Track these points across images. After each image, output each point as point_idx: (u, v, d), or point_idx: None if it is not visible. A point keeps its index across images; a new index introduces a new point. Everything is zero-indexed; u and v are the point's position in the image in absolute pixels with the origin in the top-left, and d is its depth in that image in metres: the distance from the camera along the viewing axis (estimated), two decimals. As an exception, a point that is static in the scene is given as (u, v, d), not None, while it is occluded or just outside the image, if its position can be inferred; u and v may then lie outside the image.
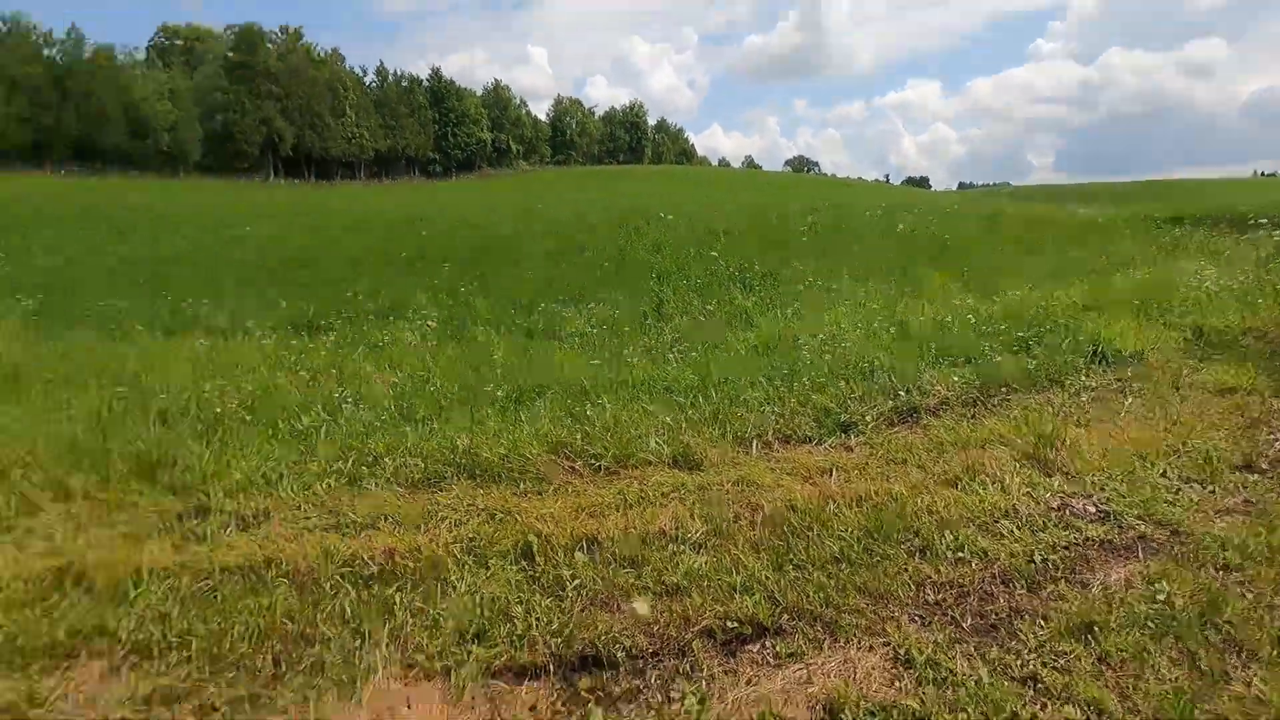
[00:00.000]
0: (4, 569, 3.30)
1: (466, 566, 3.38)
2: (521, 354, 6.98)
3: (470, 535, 3.65)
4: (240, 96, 74.80)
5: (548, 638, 2.88)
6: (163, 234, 19.22)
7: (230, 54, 77.28)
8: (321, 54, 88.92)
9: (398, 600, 3.11)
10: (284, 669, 2.73)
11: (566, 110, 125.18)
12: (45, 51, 71.16)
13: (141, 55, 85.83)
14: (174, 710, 2.55)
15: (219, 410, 5.17)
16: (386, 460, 4.55)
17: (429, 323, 8.31)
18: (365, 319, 8.94)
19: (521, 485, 4.29)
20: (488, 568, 3.38)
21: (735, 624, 2.92)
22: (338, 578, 3.30)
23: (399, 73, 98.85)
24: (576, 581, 3.21)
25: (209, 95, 74.88)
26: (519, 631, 2.91)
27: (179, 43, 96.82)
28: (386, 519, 3.88)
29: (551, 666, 2.76)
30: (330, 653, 2.80)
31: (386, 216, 21.93)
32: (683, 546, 3.48)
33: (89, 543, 3.62)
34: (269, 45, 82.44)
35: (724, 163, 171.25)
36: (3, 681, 2.69)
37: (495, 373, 6.33)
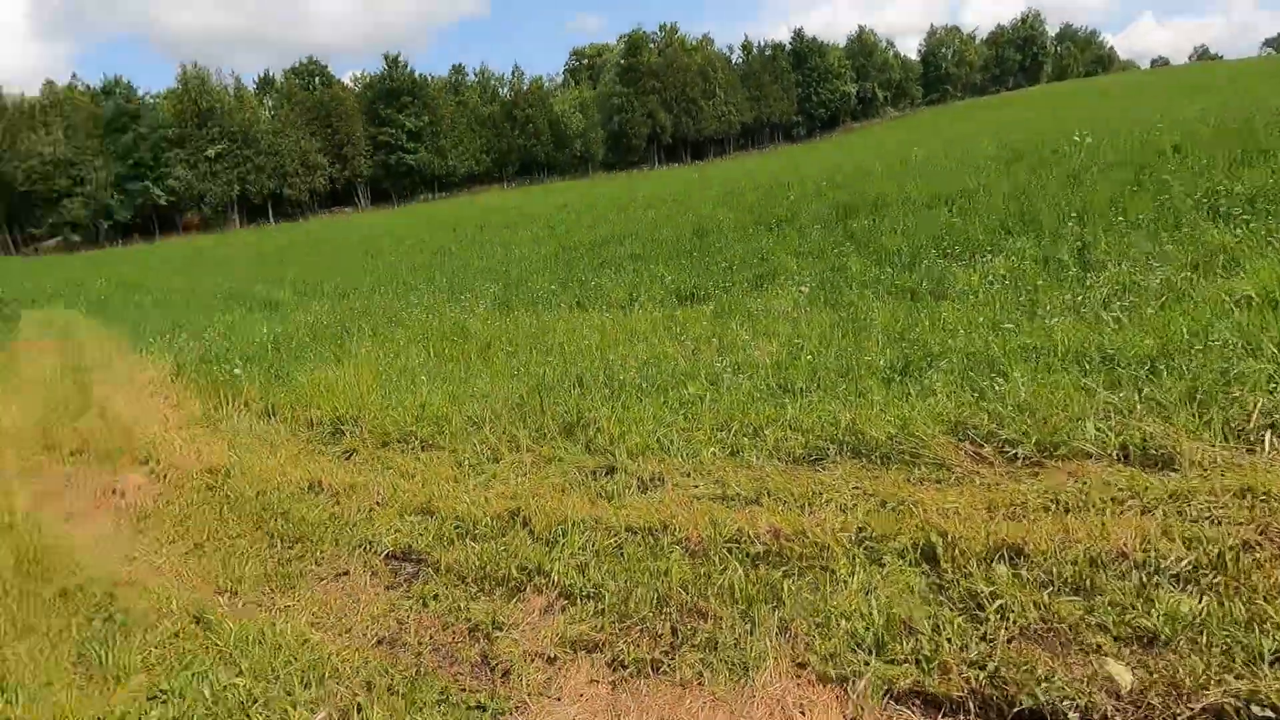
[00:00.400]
0: (478, 508, 4.11)
1: (858, 560, 3.04)
2: (905, 317, 6.27)
3: (859, 524, 3.29)
4: (630, 97, 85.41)
5: (964, 667, 2.38)
6: (574, 227, 23.01)
7: (621, 61, 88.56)
8: (693, 42, 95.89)
9: (785, 587, 2.94)
10: (679, 639, 2.79)
11: (941, 41, 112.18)
12: (500, 91, 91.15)
13: (560, 79, 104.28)
14: (592, 658, 2.80)
15: (621, 378, 5.74)
16: (767, 433, 4.46)
17: (800, 288, 8.10)
18: (740, 287, 9.16)
19: (915, 470, 3.75)
20: (882, 565, 2.99)
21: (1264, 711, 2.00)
22: (725, 552, 3.29)
23: (762, 43, 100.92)
24: (999, 602, 2.61)
25: (607, 101, 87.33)
26: (926, 651, 2.47)
27: (584, 62, 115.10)
28: (769, 495, 3.77)
29: (971, 705, 2.27)
30: (721, 631, 2.77)
31: (754, 184, 22.53)
32: (1158, 579, 2.56)
33: (531, 490, 4.30)
34: (650, 45, 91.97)
35: (1161, 62, 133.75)
36: (479, 602, 3.31)
37: (876, 339, 5.80)
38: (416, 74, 76.00)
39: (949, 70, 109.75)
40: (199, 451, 6.60)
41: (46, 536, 4.96)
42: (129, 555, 4.49)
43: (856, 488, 3.68)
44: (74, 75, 75.15)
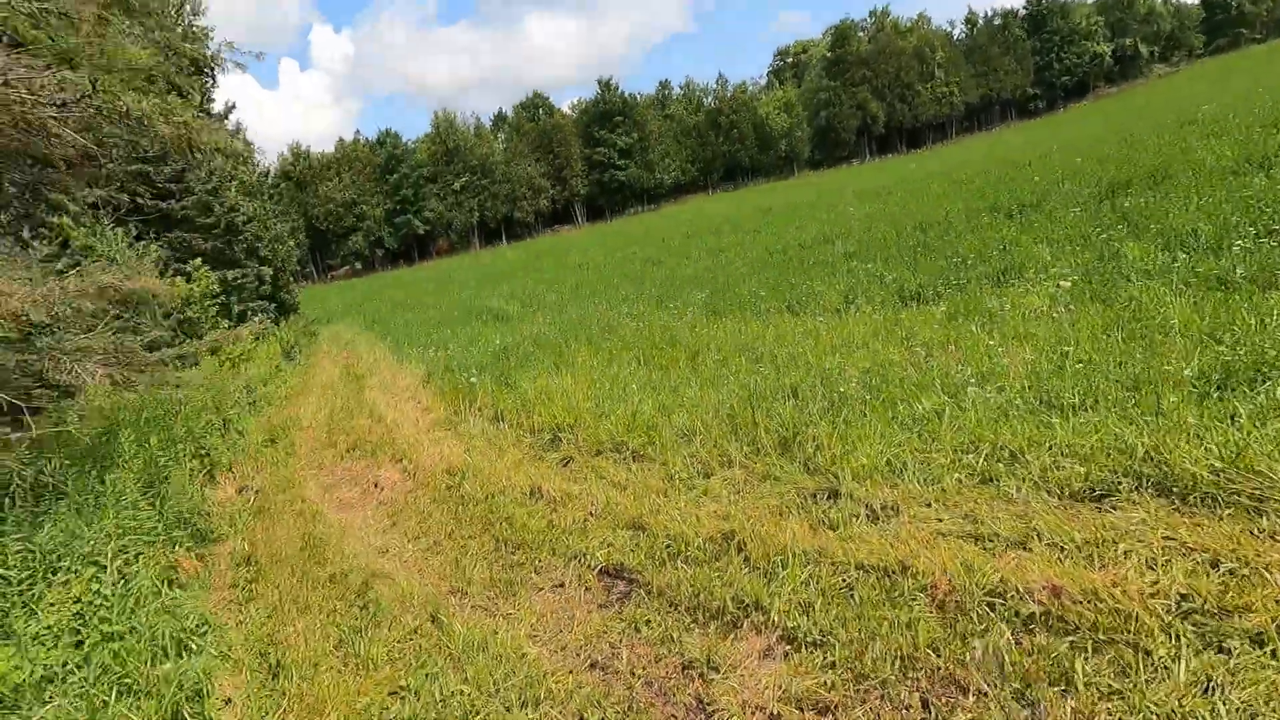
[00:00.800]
0: (689, 528, 3.91)
1: (1184, 640, 2.29)
2: (1215, 314, 4.93)
3: (1180, 589, 2.51)
4: (836, 90, 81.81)
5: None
6: (781, 229, 22.34)
7: (826, 54, 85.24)
8: (907, 23, 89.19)
9: (1077, 667, 2.30)
10: (934, 716, 2.29)
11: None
12: (705, 101, 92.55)
13: (764, 81, 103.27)
14: (822, 722, 2.41)
15: (841, 389, 5.23)
16: (1028, 458, 3.70)
17: (1060, 282, 6.83)
18: (976, 284, 8.04)
19: (1261, 520, 2.81)
20: (1225, 652, 2.21)
21: None
22: (985, 608, 2.70)
23: (989, 13, 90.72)
24: None
25: (813, 97, 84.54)
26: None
27: (788, 60, 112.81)
28: (1039, 537, 3.07)
29: None
30: (990, 715, 2.22)
31: (984, 168, 20.10)
32: None
33: (745, 511, 4.00)
34: (859, 34, 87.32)
35: None
36: (692, 635, 3.08)
37: (1175, 343, 4.61)
38: (626, 94, 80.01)
39: (1242, 8, 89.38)
40: (441, 453, 7.29)
41: (325, 525, 5.72)
42: (382, 548, 4.99)
43: (1169, 537, 2.84)
44: (357, 132, 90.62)
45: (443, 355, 12.93)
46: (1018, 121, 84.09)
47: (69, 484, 4.29)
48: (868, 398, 5.09)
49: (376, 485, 6.64)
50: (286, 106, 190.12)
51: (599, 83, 79.60)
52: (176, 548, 4.81)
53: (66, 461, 4.41)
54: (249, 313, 17.65)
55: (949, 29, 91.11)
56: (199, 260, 12.88)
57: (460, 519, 5.18)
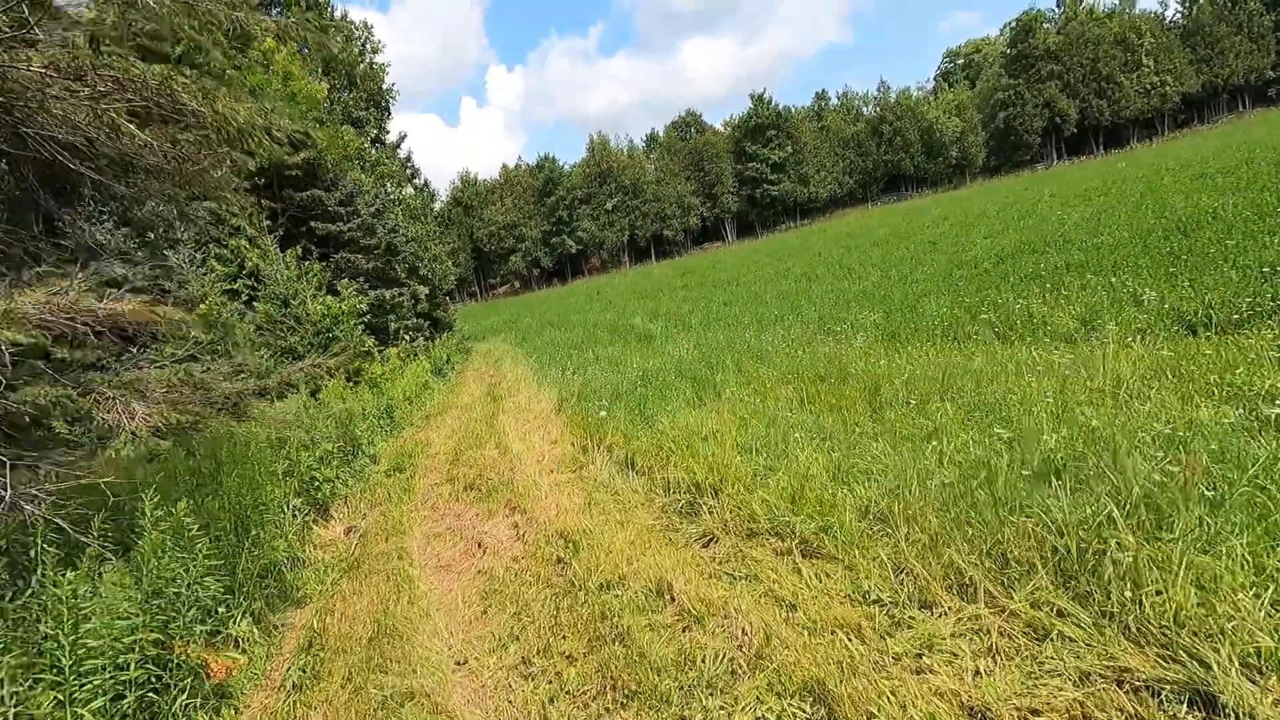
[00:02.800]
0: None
1: None
2: None
3: None
4: (1019, 90, 73.79)
5: None
6: (964, 240, 19.41)
7: (1006, 50, 77.34)
8: (1106, 8, 78.75)
9: None
10: None
11: None
12: (864, 110, 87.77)
13: (930, 85, 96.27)
14: None
15: (1144, 474, 3.26)
16: None
17: None
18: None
19: None
20: None
21: None
22: None
23: (1215, -14, 77.58)
24: None
25: (990, 98, 76.99)
26: None
27: (959, 62, 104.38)
28: None
29: None
30: None
31: (1240, 159, 16.00)
32: None
33: (1015, 711, 2.27)
34: (1044, 26, 78.46)
35: None
36: None
37: None
38: (779, 106, 77.59)
39: None
40: (559, 504, 6.09)
41: (410, 599, 4.67)
42: (461, 656, 3.78)
43: None
44: (519, 158, 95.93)
45: (579, 379, 11.98)
46: (1256, 110, 70.95)
47: (92, 537, 3.47)
48: (1199, 491, 3.10)
49: (480, 545, 5.54)
50: (467, 140, 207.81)
51: (751, 96, 77.97)
52: (222, 630, 3.91)
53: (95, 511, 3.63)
54: (403, 330, 18.01)
55: (1161, 9, 79.29)
56: (347, 280, 12.98)
57: (563, 622, 3.85)
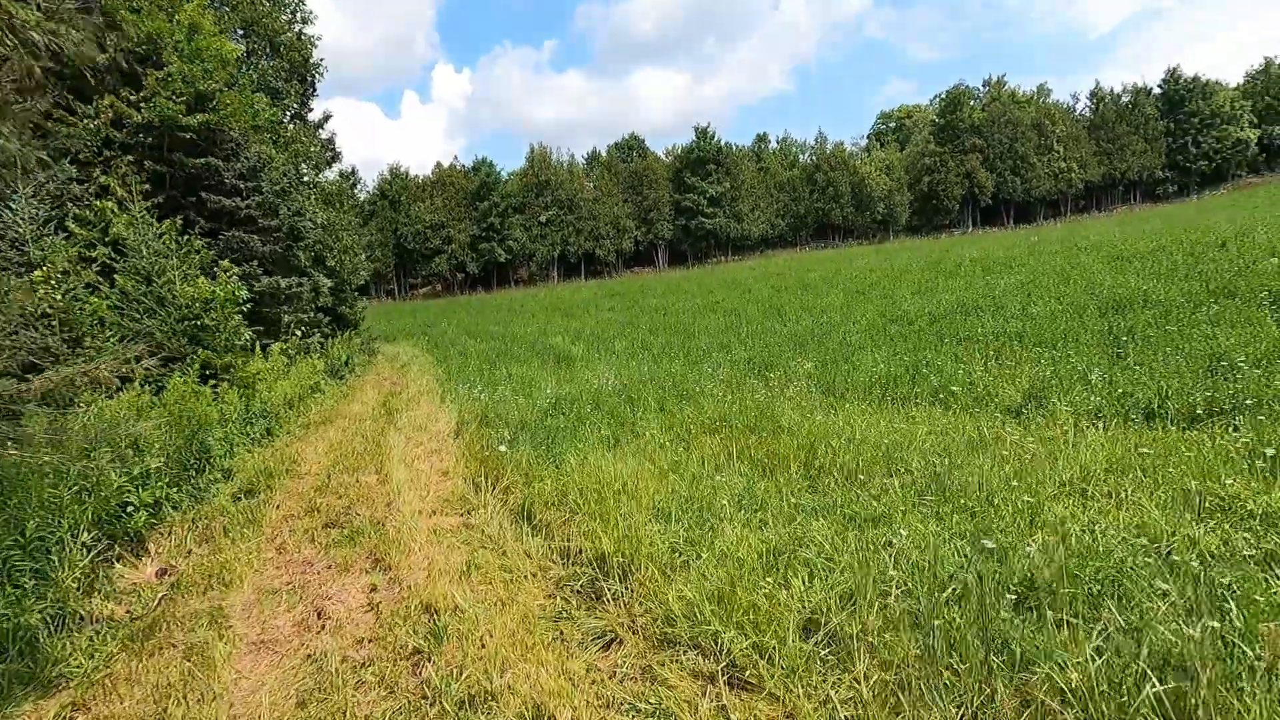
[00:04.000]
0: None
1: None
2: None
3: None
4: (944, 157, 78.20)
5: None
6: (895, 293, 19.57)
7: (935, 119, 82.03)
8: (1025, 94, 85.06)
9: None
10: None
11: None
12: (801, 157, 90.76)
13: (863, 144, 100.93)
14: None
15: (1190, 635, 2.55)
16: None
17: None
18: None
19: None
20: None
21: None
22: None
23: (1117, 90, 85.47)
24: None
25: (917, 162, 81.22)
26: None
27: (891, 125, 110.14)
28: None
29: None
30: None
31: (1153, 245, 16.79)
32: None
33: None
34: (971, 102, 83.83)
35: None
36: None
37: None
38: (721, 142, 78.99)
39: None
40: (433, 562, 4.98)
41: (202, 703, 3.45)
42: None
43: None
44: (455, 158, 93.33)
45: (485, 399, 10.83)
46: (1144, 205, 77.99)
47: None
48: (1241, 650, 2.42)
49: (320, 615, 4.35)
50: (404, 136, 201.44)
51: (695, 129, 79.10)
52: None
53: None
54: (294, 325, 16.21)
55: (1071, 103, 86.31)
56: (228, 262, 11.33)
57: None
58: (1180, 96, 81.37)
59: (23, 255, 9.23)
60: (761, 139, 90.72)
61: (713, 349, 13.30)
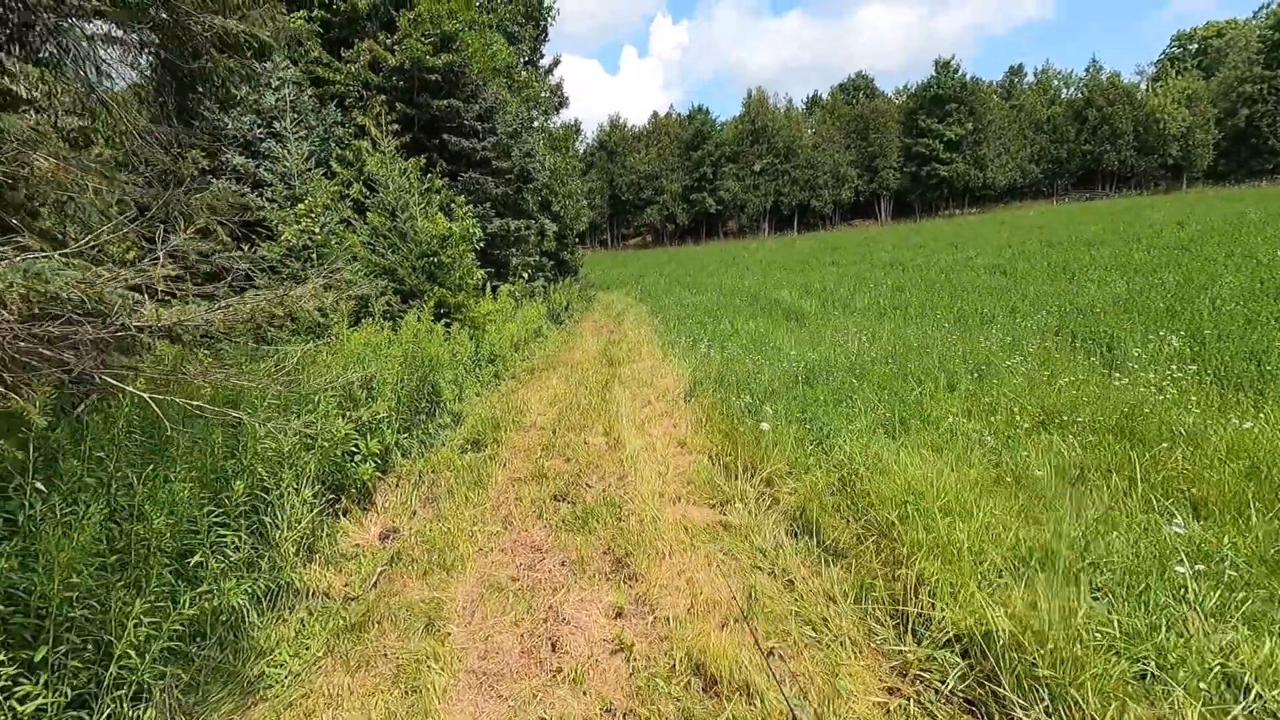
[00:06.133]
0: None
1: None
2: None
3: None
4: (1274, 83, 61.04)
5: None
6: (1233, 248, 14.77)
7: (1268, 33, 64.03)
8: None
9: None
10: None
11: None
12: (1064, 92, 76.95)
13: (1152, 70, 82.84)
14: None
15: None
16: None
17: None
18: None
19: None
20: None
21: None
22: None
23: None
24: None
25: (1233, 90, 64.45)
26: None
27: (1192, 48, 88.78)
28: None
29: None
30: None
31: None
32: None
33: None
34: (1326, 7, 64.01)
35: None
36: None
37: None
38: (967, 77, 69.03)
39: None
40: (694, 584, 3.69)
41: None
42: None
43: None
44: (671, 107, 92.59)
45: (716, 359, 9.50)
46: None
47: None
48: None
49: (555, 647, 3.24)
50: (623, 91, 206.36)
51: (936, 63, 69.87)
52: None
53: None
54: (522, 268, 16.18)
55: None
56: (463, 198, 11.05)
57: None
58: None
59: (290, 190, 9.46)
60: (1015, 72, 78.08)
61: (994, 313, 10.64)
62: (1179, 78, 71.76)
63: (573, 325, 17.54)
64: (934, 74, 69.71)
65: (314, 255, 8.68)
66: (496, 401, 8.68)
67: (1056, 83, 79.73)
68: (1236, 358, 6.20)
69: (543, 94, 25.01)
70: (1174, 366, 6.19)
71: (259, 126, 10.19)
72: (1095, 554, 3.24)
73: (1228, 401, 5.45)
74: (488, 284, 12.05)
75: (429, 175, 11.92)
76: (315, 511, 4.20)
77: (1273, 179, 59.89)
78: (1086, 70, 75.61)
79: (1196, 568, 2.95)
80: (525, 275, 15.80)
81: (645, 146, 73.87)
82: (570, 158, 25.86)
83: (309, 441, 4.24)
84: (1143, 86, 73.89)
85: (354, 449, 5.09)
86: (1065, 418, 5.46)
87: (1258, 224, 18.28)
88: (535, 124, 21.79)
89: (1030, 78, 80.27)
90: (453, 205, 10.90)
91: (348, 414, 5.26)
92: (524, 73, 23.91)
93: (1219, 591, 2.82)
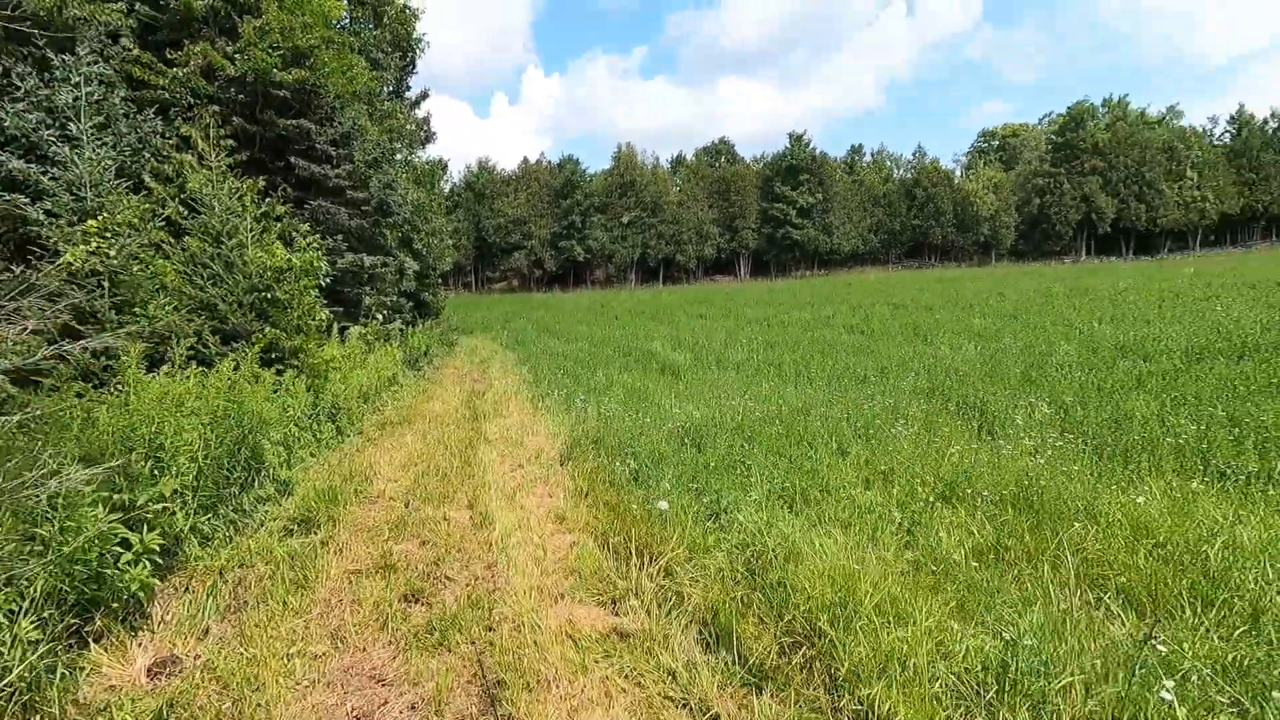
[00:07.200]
0: None
1: None
2: None
3: None
4: (1059, 178, 72.32)
5: None
6: (1057, 314, 16.54)
7: (1053, 136, 76.14)
8: (1155, 115, 78.02)
9: None
10: None
11: None
12: (896, 172, 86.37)
13: (964, 160, 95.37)
14: None
15: None
16: None
17: None
18: None
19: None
20: None
21: None
22: None
23: (1267, 114, 77.31)
24: None
25: (1028, 182, 75.49)
26: None
27: (995, 143, 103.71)
28: None
29: None
30: None
31: None
32: None
33: None
34: (1092, 121, 77.48)
35: None
36: None
37: None
38: (816, 151, 75.59)
39: None
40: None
41: None
42: None
43: None
44: (542, 153, 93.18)
45: (593, 415, 8.78)
46: (1287, 242, 69.97)
47: None
48: None
49: None
50: (492, 135, 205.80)
51: (790, 136, 76.02)
52: None
53: None
54: (377, 308, 14.65)
55: (1209, 127, 78.46)
56: (308, 227, 9.69)
57: None
58: (1338, 126, 72.76)
59: (80, 202, 7.71)
60: (856, 150, 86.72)
61: (865, 372, 10.84)
62: (986, 168, 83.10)
63: (433, 372, 16.11)
64: (788, 145, 75.73)
65: (107, 282, 7.03)
66: (337, 465, 7.35)
67: (889, 164, 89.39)
68: (1100, 426, 6.43)
69: (408, 126, 23.69)
70: (1049, 433, 6.30)
71: (48, 126, 8.32)
72: (1055, 665, 2.81)
73: (1102, 470, 5.52)
74: (334, 325, 10.60)
75: (269, 200, 10.39)
76: (41, 652, 2.89)
77: (1060, 259, 70.35)
78: (914, 154, 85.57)
79: (1168, 683, 2.57)
80: (380, 316, 14.32)
81: (515, 191, 73.26)
82: (436, 195, 24.54)
83: (38, 549, 2.95)
84: (958, 173, 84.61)
85: (125, 543, 3.76)
86: (964, 489, 5.26)
87: (1064, 297, 20.79)
88: (398, 156, 20.43)
89: (868, 157, 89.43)
90: (294, 234, 9.47)
91: (120, 495, 3.92)
92: (389, 103, 22.53)
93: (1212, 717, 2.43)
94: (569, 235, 72.83)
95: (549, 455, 7.63)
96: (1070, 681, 2.69)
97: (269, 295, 8.49)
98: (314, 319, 9.05)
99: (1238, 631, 3.04)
